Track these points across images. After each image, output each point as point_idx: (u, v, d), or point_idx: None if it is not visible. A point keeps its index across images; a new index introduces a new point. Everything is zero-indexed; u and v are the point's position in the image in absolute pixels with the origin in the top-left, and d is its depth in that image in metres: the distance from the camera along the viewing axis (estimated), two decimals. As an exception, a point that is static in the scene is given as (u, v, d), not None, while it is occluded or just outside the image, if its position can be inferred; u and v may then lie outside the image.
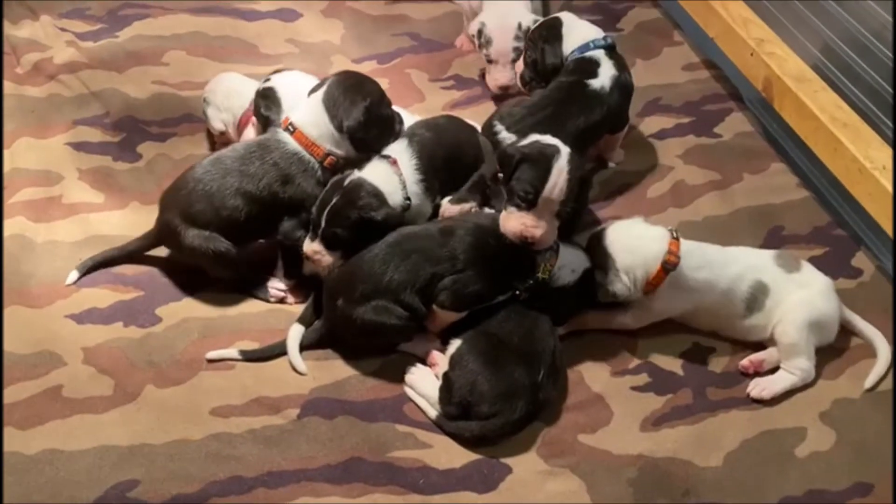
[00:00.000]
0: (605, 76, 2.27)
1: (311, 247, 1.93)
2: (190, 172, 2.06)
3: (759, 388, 1.93)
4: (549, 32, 2.35)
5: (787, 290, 1.97)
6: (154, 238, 2.11)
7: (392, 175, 2.00)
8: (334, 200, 1.90)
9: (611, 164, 2.47)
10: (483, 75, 2.69)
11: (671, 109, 2.63)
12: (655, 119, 2.60)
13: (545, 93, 2.28)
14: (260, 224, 2.04)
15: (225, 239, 2.01)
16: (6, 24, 2.79)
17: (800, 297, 1.96)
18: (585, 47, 2.31)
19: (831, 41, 2.40)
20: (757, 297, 1.96)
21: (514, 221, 1.86)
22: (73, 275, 2.09)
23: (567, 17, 2.38)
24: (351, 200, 1.90)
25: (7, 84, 2.59)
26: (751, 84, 2.58)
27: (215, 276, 2.08)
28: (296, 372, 1.93)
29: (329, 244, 1.91)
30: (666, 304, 1.98)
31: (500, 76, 2.57)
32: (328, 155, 2.03)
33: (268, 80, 2.28)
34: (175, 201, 2.04)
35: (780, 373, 1.95)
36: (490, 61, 2.57)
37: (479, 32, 2.57)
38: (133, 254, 2.13)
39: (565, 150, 1.86)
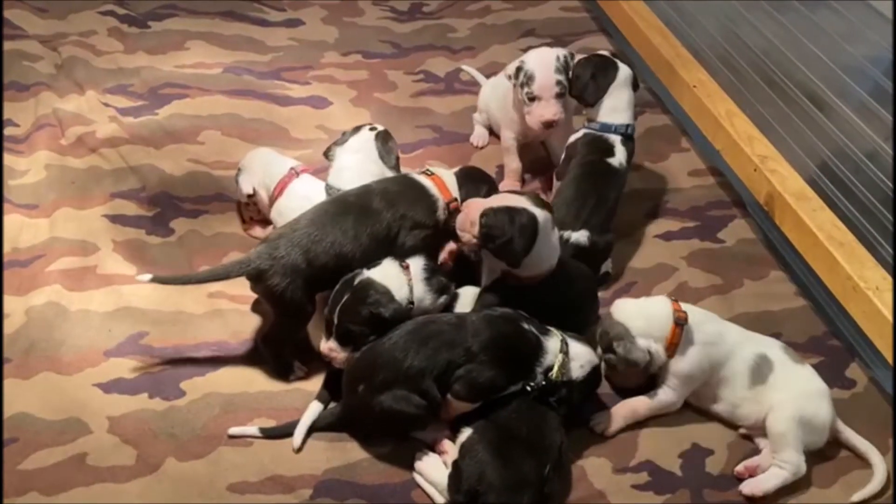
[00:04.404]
0: (620, 155, 2.49)
1: (326, 345, 2.04)
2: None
3: (751, 485, 2.00)
4: (600, 69, 2.55)
5: (787, 376, 2.07)
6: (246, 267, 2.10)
7: (401, 276, 2.10)
8: (345, 298, 2.01)
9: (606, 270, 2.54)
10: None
11: (677, 213, 2.76)
12: (662, 221, 2.73)
13: (575, 183, 2.42)
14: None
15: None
16: (55, 98, 2.94)
17: (796, 391, 2.06)
18: (607, 127, 2.51)
19: (830, 161, 2.53)
20: (761, 367, 2.08)
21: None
22: (147, 276, 2.12)
23: (623, 72, 2.55)
24: (361, 298, 2.01)
25: (51, 155, 2.72)
26: (753, 195, 2.70)
27: (279, 327, 2.15)
28: (293, 449, 1.99)
29: (342, 341, 2.02)
30: (688, 363, 2.08)
31: (545, 111, 2.54)
32: (455, 199, 2.26)
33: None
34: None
35: (771, 469, 2.02)
36: (532, 99, 2.55)
37: (518, 70, 2.56)
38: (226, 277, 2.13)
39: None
